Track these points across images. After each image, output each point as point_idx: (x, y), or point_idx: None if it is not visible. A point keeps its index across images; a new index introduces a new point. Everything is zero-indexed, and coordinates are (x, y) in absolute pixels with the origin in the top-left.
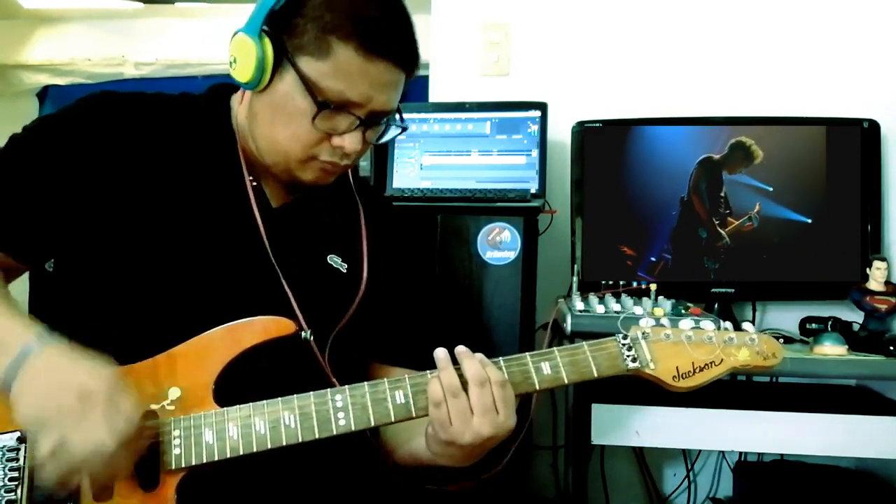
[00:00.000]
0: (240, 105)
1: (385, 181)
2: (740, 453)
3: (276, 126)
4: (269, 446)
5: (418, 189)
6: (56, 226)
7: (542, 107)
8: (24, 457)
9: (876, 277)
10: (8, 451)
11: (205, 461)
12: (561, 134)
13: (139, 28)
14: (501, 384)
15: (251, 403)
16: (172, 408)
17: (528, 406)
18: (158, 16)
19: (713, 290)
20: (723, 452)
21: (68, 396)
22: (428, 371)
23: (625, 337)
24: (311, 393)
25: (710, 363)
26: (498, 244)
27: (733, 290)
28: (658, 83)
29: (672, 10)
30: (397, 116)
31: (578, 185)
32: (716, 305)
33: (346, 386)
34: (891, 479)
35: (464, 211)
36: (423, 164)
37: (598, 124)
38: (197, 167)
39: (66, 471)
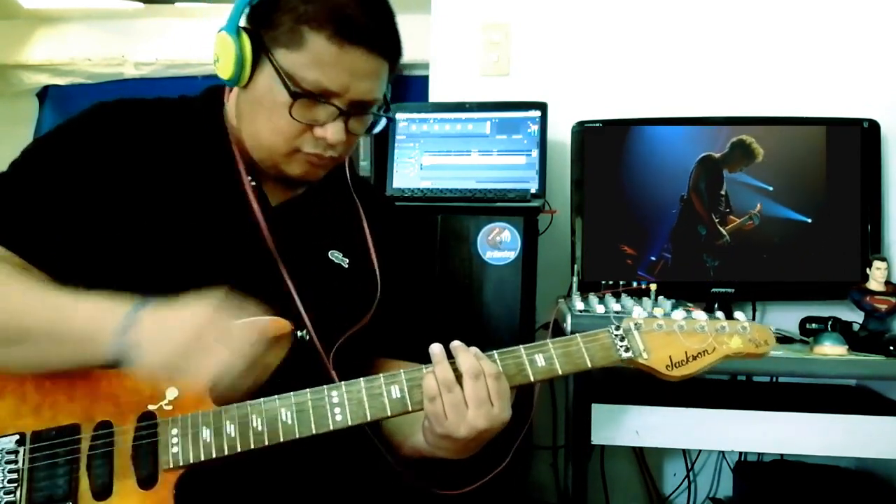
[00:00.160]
0: (229, 104)
1: (385, 181)
2: (740, 453)
3: (259, 121)
4: (267, 443)
5: (418, 189)
6: (70, 232)
7: (542, 107)
8: (24, 459)
9: (876, 277)
10: (7, 453)
11: (203, 459)
12: (561, 134)
13: (139, 28)
14: (496, 376)
15: (248, 402)
16: (170, 408)
17: (529, 406)
18: (158, 16)
19: (713, 289)
20: (723, 452)
21: (185, 337)
22: (424, 366)
23: (617, 328)
24: (308, 390)
25: (703, 352)
26: (498, 244)
27: (733, 290)
28: (657, 83)
29: (672, 10)
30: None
31: (578, 185)
32: (716, 305)
33: (342, 382)
34: (891, 479)
35: (464, 211)
36: (423, 164)
37: (597, 124)
38: (195, 170)
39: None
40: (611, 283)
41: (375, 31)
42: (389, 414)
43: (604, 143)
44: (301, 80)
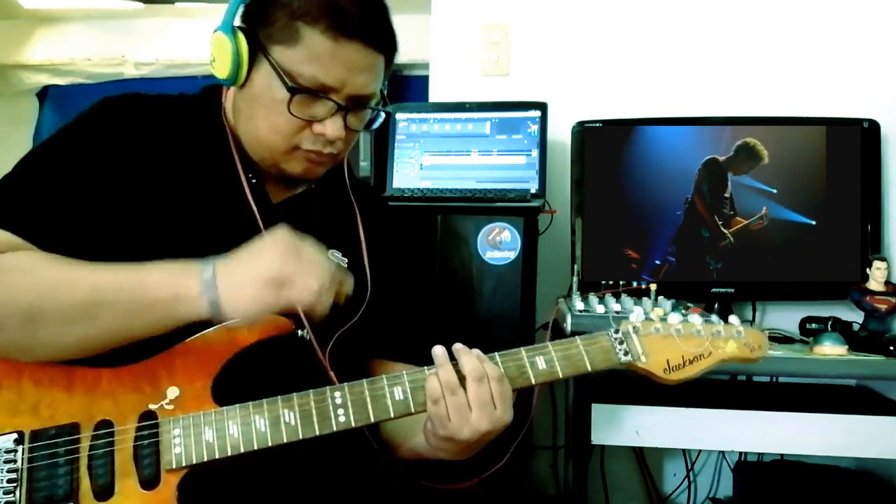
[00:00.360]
0: (227, 104)
1: (385, 181)
2: (740, 453)
3: (257, 119)
4: (270, 444)
5: (418, 189)
6: (81, 228)
7: (542, 107)
8: (23, 458)
9: (876, 277)
10: (6, 452)
11: (205, 459)
12: (561, 134)
13: (139, 28)
14: (499, 379)
15: (251, 402)
16: (171, 407)
17: (529, 406)
18: (158, 16)
19: (713, 290)
20: (723, 452)
21: (273, 265)
22: (426, 367)
23: (616, 331)
24: (311, 391)
25: (700, 356)
26: (498, 244)
27: (733, 290)
28: (657, 83)
29: (672, 9)
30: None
31: (578, 185)
32: (716, 305)
33: (345, 383)
34: (891, 479)
35: (464, 211)
36: (423, 164)
37: (598, 124)
38: (196, 167)
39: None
40: (611, 283)
41: (370, 25)
42: (392, 415)
43: (604, 144)
44: (298, 76)
